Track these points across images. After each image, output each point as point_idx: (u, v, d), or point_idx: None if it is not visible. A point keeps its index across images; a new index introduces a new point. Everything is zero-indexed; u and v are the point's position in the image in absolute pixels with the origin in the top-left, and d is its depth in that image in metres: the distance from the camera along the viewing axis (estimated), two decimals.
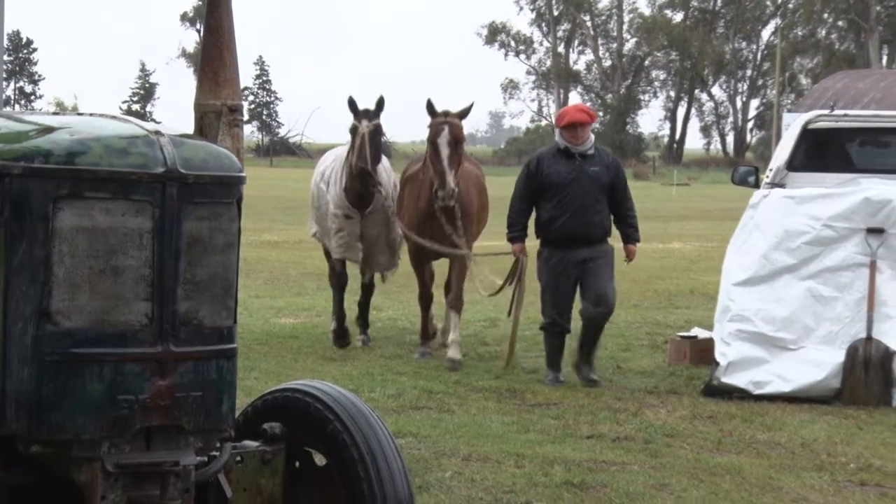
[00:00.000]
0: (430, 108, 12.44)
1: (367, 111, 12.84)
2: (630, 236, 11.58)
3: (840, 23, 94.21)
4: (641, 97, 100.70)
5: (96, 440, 4.23)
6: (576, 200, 11.18)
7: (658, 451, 8.84)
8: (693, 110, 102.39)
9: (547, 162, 11.41)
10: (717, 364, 11.01)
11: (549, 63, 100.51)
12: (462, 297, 12.68)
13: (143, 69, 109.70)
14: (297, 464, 4.81)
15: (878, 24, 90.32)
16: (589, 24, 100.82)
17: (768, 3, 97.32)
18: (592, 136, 11.63)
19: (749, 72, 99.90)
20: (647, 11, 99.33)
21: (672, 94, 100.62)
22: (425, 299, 12.96)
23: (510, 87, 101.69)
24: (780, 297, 11.00)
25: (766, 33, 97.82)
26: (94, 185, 4.19)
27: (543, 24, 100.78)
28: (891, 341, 10.76)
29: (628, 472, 8.23)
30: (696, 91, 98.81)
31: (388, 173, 13.55)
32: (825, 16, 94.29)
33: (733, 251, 11.42)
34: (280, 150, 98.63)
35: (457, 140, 12.11)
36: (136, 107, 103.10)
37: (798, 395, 10.75)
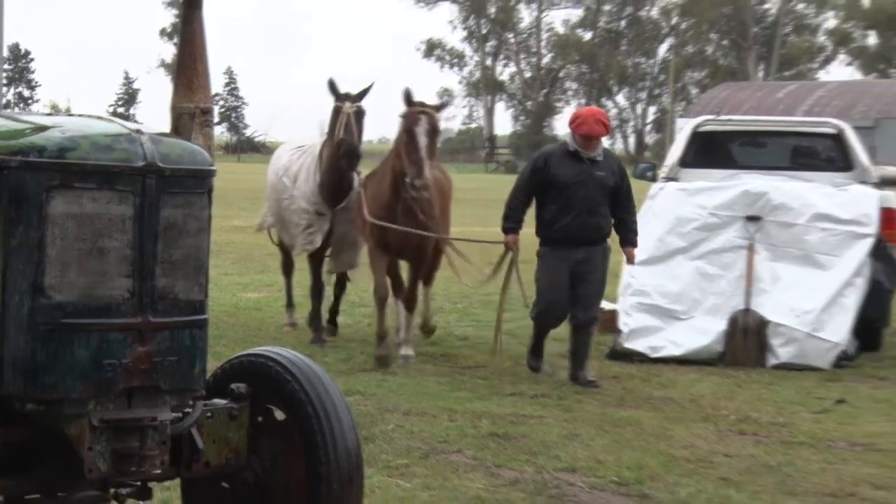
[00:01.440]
0: (407, 97, 10.44)
1: (348, 94, 11.00)
2: (630, 240, 10.10)
3: (724, 42, 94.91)
4: (557, 104, 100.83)
5: (84, 399, 4.21)
6: (580, 203, 9.78)
7: (570, 407, 8.87)
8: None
9: (555, 161, 9.97)
10: (620, 332, 11.08)
11: (478, 74, 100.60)
12: (416, 297, 11.10)
13: (126, 77, 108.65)
14: (260, 419, 4.78)
15: (755, 43, 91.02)
16: (512, 40, 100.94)
17: (664, 24, 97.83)
18: (602, 143, 10.19)
19: (647, 83, 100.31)
20: (561, 30, 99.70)
21: (583, 101, 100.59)
22: (383, 297, 10.68)
23: (445, 94, 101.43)
24: (673, 275, 11.08)
25: (661, 50, 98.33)
26: (83, 176, 4.16)
27: (474, 41, 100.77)
28: (765, 312, 10.88)
29: (544, 424, 8.25)
30: (603, 99, 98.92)
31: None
32: (711, 36, 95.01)
33: None
34: (246, 147, 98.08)
35: (434, 130, 10.30)
36: (120, 110, 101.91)
37: (688, 358, 10.84)
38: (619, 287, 11.39)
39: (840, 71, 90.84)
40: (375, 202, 10.64)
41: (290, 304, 12.27)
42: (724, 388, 9.88)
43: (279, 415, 4.77)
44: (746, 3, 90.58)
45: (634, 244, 10.15)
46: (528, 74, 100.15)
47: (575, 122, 9.99)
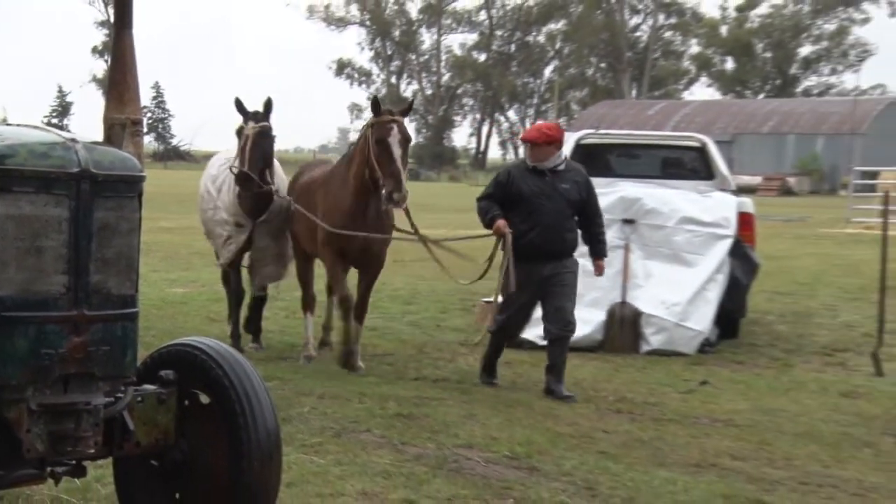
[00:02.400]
0: (374, 104, 9.17)
1: (255, 113, 9.74)
2: (599, 252, 9.15)
3: (602, 64, 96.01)
4: (455, 118, 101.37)
5: (23, 385, 4.16)
6: (545, 216, 8.79)
7: (468, 390, 8.87)
8: (494, 128, 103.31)
9: (517, 175, 9.01)
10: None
11: (384, 91, 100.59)
12: (368, 308, 9.92)
13: (60, 91, 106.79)
14: (187, 402, 4.73)
15: (629, 66, 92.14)
16: (415, 61, 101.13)
17: (549, 48, 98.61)
18: (562, 154, 9.13)
19: (535, 100, 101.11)
20: (458, 52, 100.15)
21: (478, 116, 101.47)
22: (350, 300, 9.51)
23: (355, 109, 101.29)
24: None
25: (547, 71, 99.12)
26: (21, 181, 4.11)
27: (380, 61, 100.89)
28: (639, 304, 10.98)
29: (445, 405, 8.24)
30: (496, 114, 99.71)
31: (281, 178, 10.41)
32: (591, 59, 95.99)
33: None
34: (172, 156, 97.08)
35: (406, 139, 9.01)
36: (55, 120, 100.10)
37: (571, 346, 10.86)
38: None
39: (702, 91, 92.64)
40: (335, 211, 9.37)
41: (235, 324, 10.59)
42: (604, 372, 9.97)
43: (204, 399, 4.73)
44: (621, 31, 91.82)
45: (603, 255, 9.26)
46: (429, 91, 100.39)
47: (523, 134, 9.17)
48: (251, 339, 10.53)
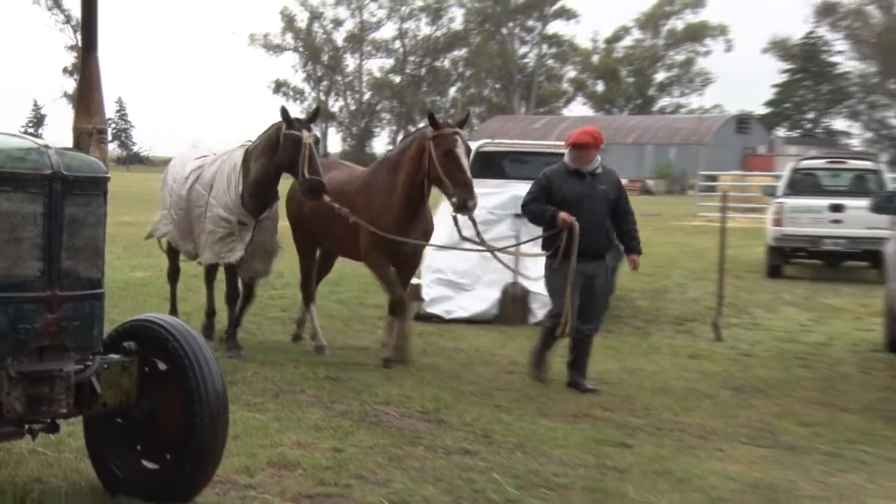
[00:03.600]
0: (431, 118, 8.09)
1: (306, 121, 8.25)
2: (634, 248, 8.08)
3: (496, 85, 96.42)
4: (374, 129, 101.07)
5: (3, 355, 4.10)
6: (589, 217, 7.73)
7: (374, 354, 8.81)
8: None
9: (558, 180, 7.88)
10: (423, 300, 11.08)
11: (315, 107, 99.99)
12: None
13: (35, 105, 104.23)
14: (147, 369, 4.66)
15: (518, 87, 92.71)
16: (341, 81, 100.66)
17: (453, 72, 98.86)
18: (599, 157, 8.07)
19: (442, 115, 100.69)
20: (377, 74, 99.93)
21: (394, 127, 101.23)
22: (403, 300, 8.53)
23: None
24: (463, 257, 11.05)
25: (452, 91, 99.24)
26: (1, 181, 4.06)
27: (311, 81, 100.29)
28: (527, 284, 10.98)
29: (367, 370, 8.18)
30: (409, 126, 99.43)
31: None
32: (487, 81, 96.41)
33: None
34: (134, 161, 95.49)
35: (469, 150, 8.02)
36: (31, 130, 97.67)
37: (473, 319, 10.92)
38: (422, 267, 11.38)
39: (578, 108, 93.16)
40: (385, 216, 8.18)
41: (173, 313, 9.32)
42: (499, 341, 9.97)
43: (162, 366, 4.67)
44: (512, 58, 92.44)
45: (639, 251, 8.14)
46: (353, 107, 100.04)
47: (568, 138, 8.07)
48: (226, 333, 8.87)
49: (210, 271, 9.38)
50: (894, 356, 9.59)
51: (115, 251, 16.21)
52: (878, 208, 10.30)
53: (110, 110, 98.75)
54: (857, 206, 14.73)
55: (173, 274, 9.77)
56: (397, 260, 8.46)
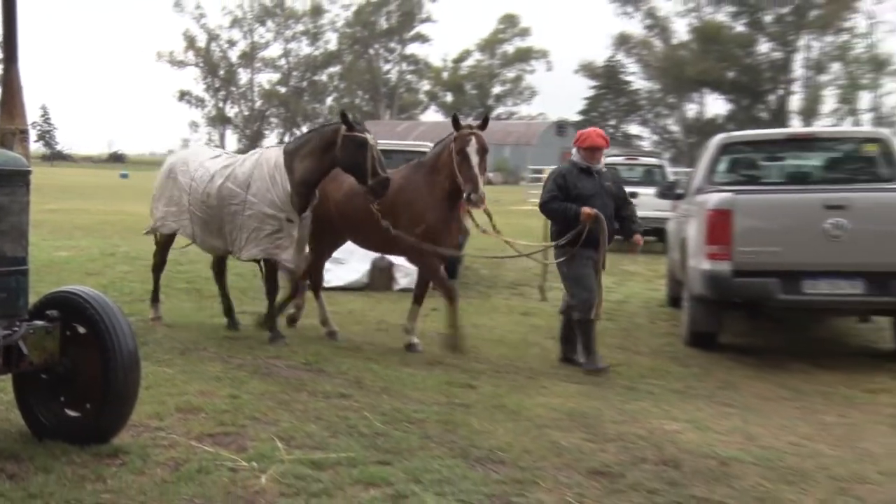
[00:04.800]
0: (455, 121, 7.45)
1: (360, 123, 7.47)
2: (636, 229, 7.37)
3: (366, 96, 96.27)
4: (265, 132, 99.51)
5: None
6: (600, 209, 7.06)
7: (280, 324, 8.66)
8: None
9: (571, 178, 7.20)
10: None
11: (214, 112, 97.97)
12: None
13: None
14: (68, 332, 4.47)
15: (384, 97, 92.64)
16: (236, 92, 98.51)
17: (330, 85, 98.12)
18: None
19: (321, 120, 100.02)
20: (267, 86, 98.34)
21: (281, 130, 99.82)
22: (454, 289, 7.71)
23: (193, 125, 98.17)
24: None
25: (329, 100, 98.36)
26: None
27: (210, 91, 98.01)
28: (391, 258, 10.98)
29: (260, 331, 8.03)
30: (294, 129, 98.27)
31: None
32: (358, 92, 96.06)
33: None
34: (57, 158, 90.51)
35: (484, 149, 7.30)
36: None
37: (348, 287, 10.87)
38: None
39: (432, 115, 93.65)
40: (430, 214, 7.46)
41: (156, 300, 8.39)
42: (369, 304, 9.96)
43: (81, 329, 4.47)
44: (378, 74, 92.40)
45: (641, 231, 7.44)
46: (246, 113, 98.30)
47: (580, 140, 7.33)
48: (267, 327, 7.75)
49: (220, 270, 8.32)
50: (674, 310, 9.96)
51: (40, 234, 15.43)
52: (662, 195, 10.76)
53: (35, 115, 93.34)
54: (647, 193, 15.30)
55: (160, 265, 8.42)
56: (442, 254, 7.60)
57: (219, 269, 8.39)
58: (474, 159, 7.21)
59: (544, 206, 7.29)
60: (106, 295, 4.65)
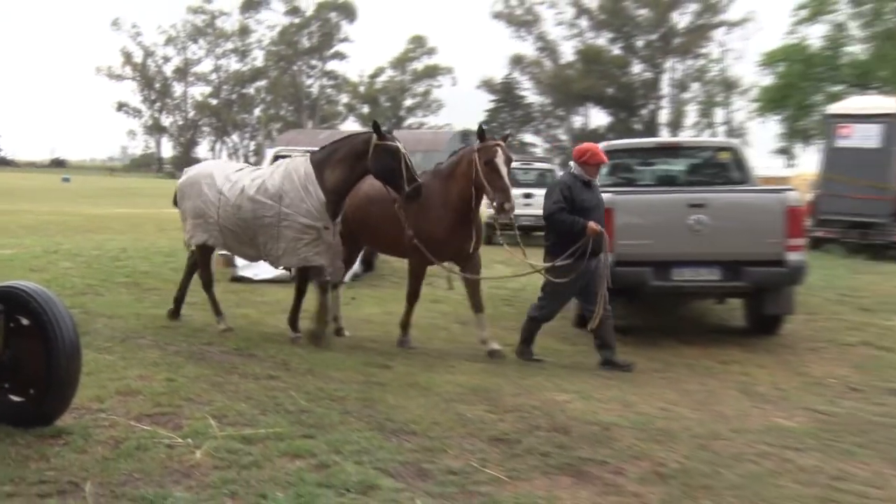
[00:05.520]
0: (480, 132, 6.77)
1: (390, 132, 6.88)
2: None
3: (291, 107, 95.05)
4: (198, 139, 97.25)
5: None
6: (597, 220, 6.66)
7: (208, 309, 8.34)
8: (225, 147, 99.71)
9: (576, 190, 6.71)
10: (236, 266, 10.73)
11: (151, 122, 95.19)
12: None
13: None
14: (12, 324, 4.27)
15: (307, 108, 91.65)
16: (171, 103, 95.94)
17: (257, 97, 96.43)
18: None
19: (249, 129, 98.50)
20: (199, 98, 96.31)
21: (213, 138, 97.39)
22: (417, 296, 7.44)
23: (131, 133, 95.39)
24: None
25: (257, 111, 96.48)
26: None
27: (147, 102, 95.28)
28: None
29: (193, 320, 7.81)
30: (224, 137, 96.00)
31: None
32: (283, 104, 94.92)
33: None
34: (0, 164, 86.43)
35: (509, 159, 6.69)
36: None
37: (274, 280, 10.68)
38: None
39: (351, 125, 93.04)
40: (444, 222, 6.93)
41: (218, 313, 7.54)
42: (291, 294, 9.76)
43: (25, 321, 4.27)
44: (301, 88, 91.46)
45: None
46: (180, 122, 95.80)
47: (587, 156, 6.76)
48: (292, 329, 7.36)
49: (193, 267, 7.73)
50: None
51: None
52: None
53: None
54: (540, 193, 15.51)
55: (209, 282, 7.62)
56: (460, 258, 7.18)
57: (192, 268, 7.85)
58: (503, 169, 6.61)
59: (552, 217, 6.71)
60: (49, 289, 4.46)
